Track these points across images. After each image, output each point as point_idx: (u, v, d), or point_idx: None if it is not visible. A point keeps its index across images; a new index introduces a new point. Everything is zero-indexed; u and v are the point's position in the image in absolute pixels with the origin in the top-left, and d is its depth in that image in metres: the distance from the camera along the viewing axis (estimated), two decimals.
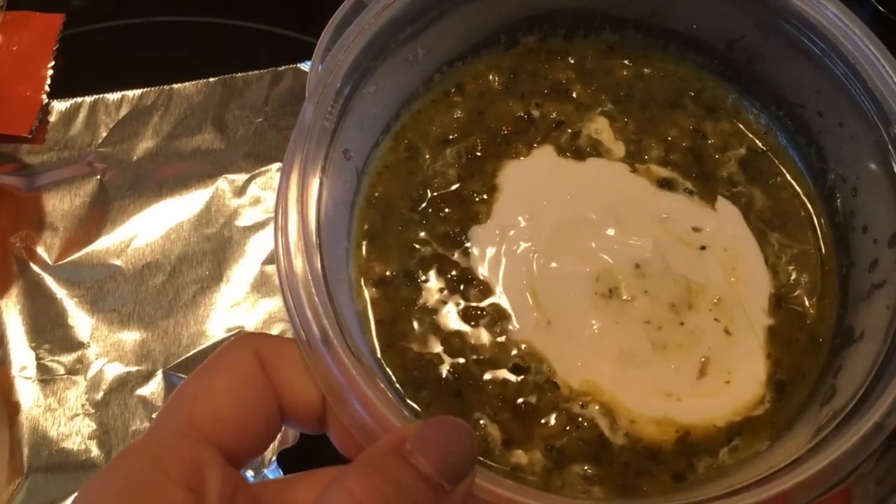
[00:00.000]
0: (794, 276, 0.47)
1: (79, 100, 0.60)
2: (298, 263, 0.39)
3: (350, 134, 0.44)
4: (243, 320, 0.55)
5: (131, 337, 0.54)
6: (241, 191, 0.57)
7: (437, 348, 0.45)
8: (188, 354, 0.54)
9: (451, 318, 0.46)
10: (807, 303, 0.47)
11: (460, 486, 0.32)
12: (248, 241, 0.57)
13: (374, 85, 0.45)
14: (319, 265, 0.39)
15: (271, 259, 0.56)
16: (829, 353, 0.45)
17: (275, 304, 0.55)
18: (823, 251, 0.48)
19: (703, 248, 0.47)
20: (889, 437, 0.37)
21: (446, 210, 0.48)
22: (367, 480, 0.29)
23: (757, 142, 0.50)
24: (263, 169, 0.58)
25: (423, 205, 0.48)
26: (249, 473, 0.50)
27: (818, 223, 0.48)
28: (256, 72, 0.61)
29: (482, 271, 0.46)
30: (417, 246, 0.47)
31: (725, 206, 0.48)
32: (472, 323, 0.45)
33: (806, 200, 0.49)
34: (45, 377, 0.53)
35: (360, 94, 0.44)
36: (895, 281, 0.42)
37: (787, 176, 0.49)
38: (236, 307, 0.55)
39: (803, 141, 0.49)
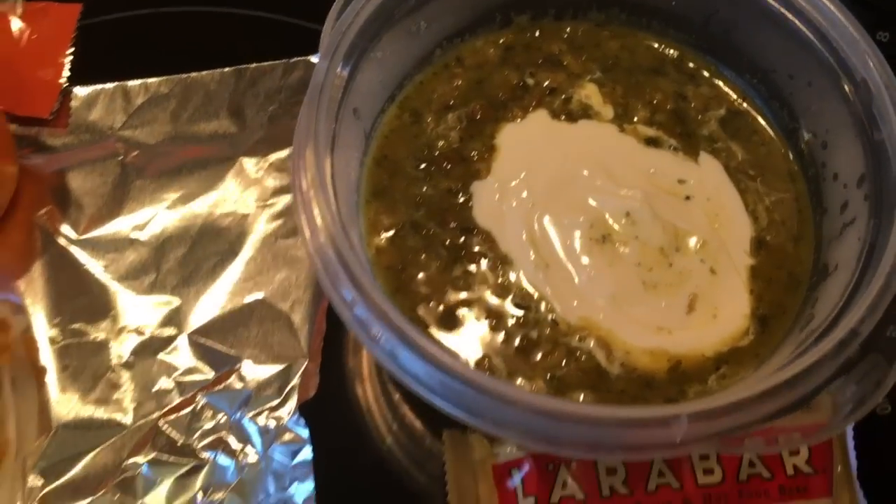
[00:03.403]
0: (772, 222, 0.51)
1: (100, 86, 0.64)
2: (317, 200, 0.42)
3: (359, 94, 0.48)
4: (262, 290, 0.58)
5: (154, 304, 0.57)
6: (257, 171, 0.61)
7: (443, 290, 0.48)
8: (209, 319, 0.57)
9: (455, 264, 0.49)
10: (785, 245, 0.50)
11: None
12: (264, 218, 0.60)
13: (380, 51, 0.50)
14: (336, 210, 0.43)
15: (286, 234, 0.59)
16: (808, 289, 0.49)
17: (291, 274, 0.58)
18: (799, 200, 0.52)
19: (687, 198, 0.51)
20: (867, 343, 0.41)
21: (448, 168, 0.52)
22: None
23: (735, 104, 0.54)
24: (279, 152, 0.62)
25: (427, 164, 0.52)
26: (272, 423, 0.53)
27: (793, 175, 0.52)
28: (269, 63, 0.65)
29: (483, 222, 0.50)
30: (422, 200, 0.51)
31: (708, 160, 0.52)
32: (475, 267, 0.49)
33: (781, 155, 0.53)
34: (71, 341, 0.56)
35: (368, 58, 0.49)
36: (864, 215, 0.45)
37: (764, 134, 0.54)
38: (254, 278, 0.58)
39: (777, 104, 0.54)
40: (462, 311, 0.48)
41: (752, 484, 0.50)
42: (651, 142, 0.53)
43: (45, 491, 0.51)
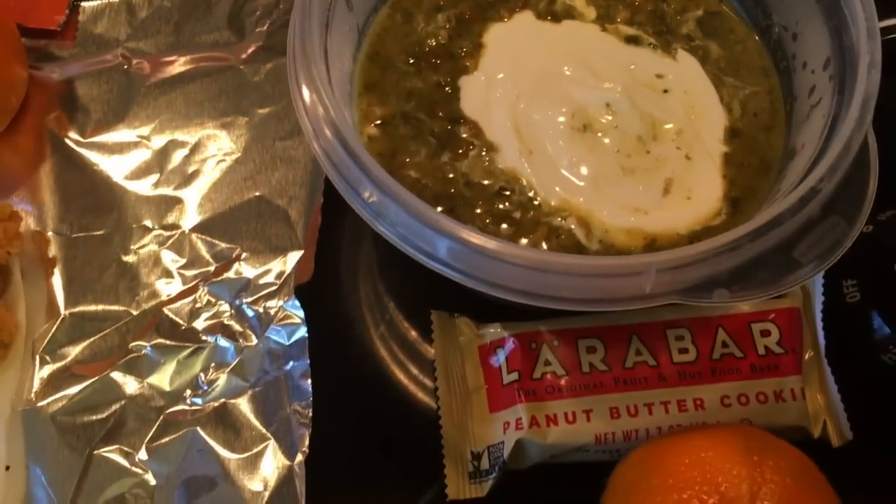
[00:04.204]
0: (745, 113, 0.53)
1: (106, 1, 0.66)
2: (313, 89, 0.45)
3: None
4: (260, 188, 0.60)
5: (158, 201, 0.60)
6: (255, 75, 0.64)
7: (432, 174, 0.51)
8: (209, 215, 0.59)
9: (443, 150, 0.51)
10: (757, 134, 0.53)
11: None
12: (263, 120, 0.62)
13: None
14: (331, 99, 0.45)
15: (284, 136, 0.62)
16: (777, 172, 0.51)
17: (289, 173, 0.61)
18: (772, 93, 0.54)
19: (665, 91, 0.54)
20: (828, 206, 0.43)
21: (438, 63, 0.54)
22: None
23: (712, 5, 0.57)
24: (276, 60, 0.64)
25: (418, 59, 0.54)
26: (270, 307, 0.56)
27: (766, 71, 0.55)
28: None
29: (470, 113, 0.53)
30: (413, 92, 0.53)
31: (685, 57, 0.55)
32: (462, 153, 0.51)
33: (755, 52, 0.55)
34: (79, 235, 0.59)
35: None
36: (829, 93, 0.48)
37: (739, 32, 0.56)
38: (253, 177, 0.61)
39: (750, 3, 0.56)
40: (449, 194, 0.50)
41: (724, 362, 0.52)
42: (631, 40, 0.55)
43: (53, 368, 0.54)
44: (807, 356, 0.53)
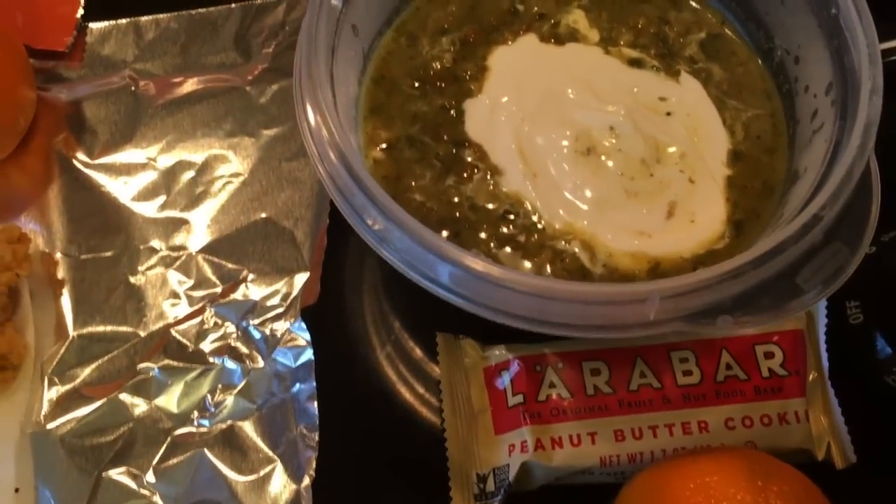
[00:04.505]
0: (748, 136, 0.54)
1: (113, 22, 0.67)
2: (320, 119, 0.45)
3: (358, 12, 0.52)
4: (267, 210, 0.61)
5: (165, 223, 0.60)
6: (261, 96, 0.64)
7: (437, 197, 0.51)
8: (216, 237, 0.60)
9: (448, 173, 0.52)
10: (760, 157, 0.53)
11: None
12: (269, 141, 0.63)
13: None
14: (336, 124, 0.46)
15: (290, 157, 0.62)
16: (780, 195, 0.51)
17: (294, 194, 0.61)
18: (774, 116, 0.54)
19: (668, 113, 0.54)
20: (831, 232, 0.43)
21: (443, 86, 0.54)
22: None
23: (715, 27, 0.57)
24: (282, 81, 0.65)
25: (422, 83, 0.55)
26: (276, 329, 0.56)
27: (769, 94, 0.55)
28: None
29: (475, 136, 0.53)
30: (418, 116, 0.54)
31: (688, 79, 0.55)
32: (467, 176, 0.52)
33: (758, 74, 0.56)
34: (87, 257, 0.59)
35: None
36: (831, 119, 0.48)
37: (741, 55, 0.56)
38: (259, 198, 0.61)
39: (753, 26, 0.56)
40: (454, 217, 0.51)
41: (728, 384, 0.53)
42: (634, 63, 0.56)
43: (62, 390, 0.55)
44: (810, 378, 0.53)
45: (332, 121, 0.44)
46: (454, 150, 0.53)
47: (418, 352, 0.57)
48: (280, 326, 0.56)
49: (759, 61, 0.56)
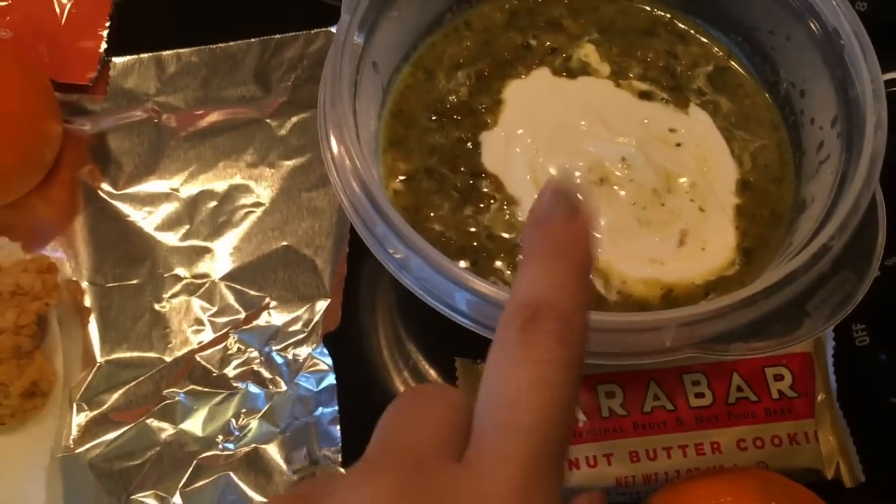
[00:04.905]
0: (756, 165, 0.55)
1: (136, 56, 0.69)
2: (345, 153, 0.47)
3: (378, 49, 0.53)
4: (288, 238, 0.62)
5: (188, 252, 0.62)
6: (281, 128, 0.66)
7: (455, 227, 0.53)
8: (238, 265, 0.61)
9: (465, 204, 0.54)
10: (768, 186, 0.55)
11: None
12: (289, 172, 0.65)
13: (396, 11, 0.55)
14: (360, 156, 0.48)
15: (310, 188, 0.64)
16: (788, 223, 0.53)
17: (315, 223, 0.63)
18: (780, 146, 0.56)
19: (678, 144, 0.56)
20: (839, 261, 0.45)
21: (459, 119, 0.56)
22: None
23: (722, 61, 0.59)
24: (302, 114, 0.67)
25: (439, 116, 0.56)
26: (298, 354, 0.58)
27: (775, 124, 0.57)
28: (292, 34, 0.69)
29: (491, 167, 0.55)
30: (435, 148, 0.55)
31: (696, 111, 0.57)
32: (484, 207, 0.53)
33: (764, 106, 0.58)
34: (112, 285, 0.61)
35: (385, 16, 0.54)
36: (837, 151, 0.50)
37: (748, 87, 0.58)
38: (280, 227, 0.63)
39: (759, 60, 0.58)
40: (472, 247, 0.52)
41: (739, 406, 0.54)
42: (644, 95, 0.57)
43: (90, 416, 0.56)
44: (819, 399, 0.55)
45: (355, 153, 0.46)
46: (471, 181, 0.54)
47: (437, 375, 0.59)
48: (302, 352, 0.58)
49: (766, 94, 0.58)
